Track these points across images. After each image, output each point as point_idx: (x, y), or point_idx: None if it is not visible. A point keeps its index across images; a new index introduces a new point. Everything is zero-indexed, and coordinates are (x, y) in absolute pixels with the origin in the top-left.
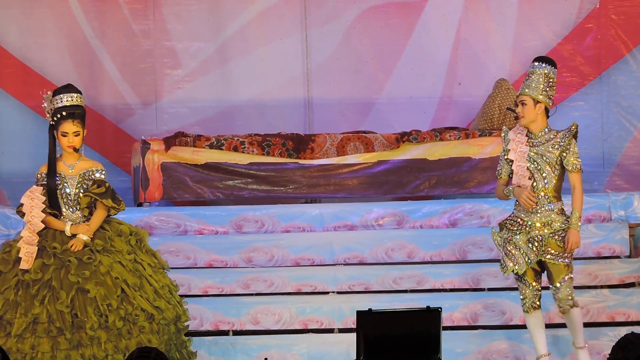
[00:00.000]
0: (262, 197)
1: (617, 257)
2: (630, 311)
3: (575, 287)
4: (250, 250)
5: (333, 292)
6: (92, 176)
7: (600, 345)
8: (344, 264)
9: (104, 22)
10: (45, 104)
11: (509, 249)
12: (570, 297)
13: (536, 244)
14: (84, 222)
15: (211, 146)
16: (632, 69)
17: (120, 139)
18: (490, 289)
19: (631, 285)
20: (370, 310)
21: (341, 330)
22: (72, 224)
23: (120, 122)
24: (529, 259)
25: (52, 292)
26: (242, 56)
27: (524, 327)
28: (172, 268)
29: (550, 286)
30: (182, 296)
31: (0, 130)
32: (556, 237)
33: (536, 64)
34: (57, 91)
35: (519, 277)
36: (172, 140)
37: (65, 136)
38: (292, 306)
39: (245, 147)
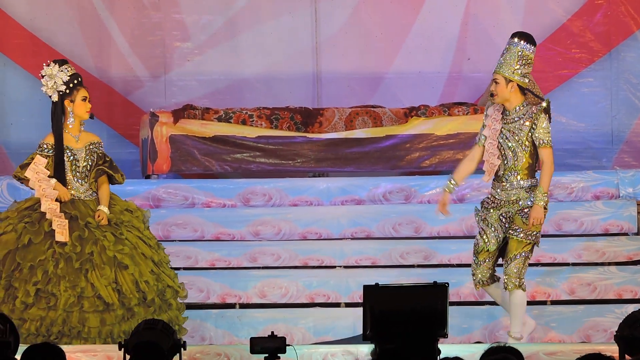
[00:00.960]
0: (270, 170)
1: (625, 234)
2: (638, 288)
3: (583, 264)
4: (258, 223)
5: (340, 266)
6: (96, 149)
7: (607, 322)
8: (351, 239)
9: None
10: (49, 74)
11: (482, 226)
12: (517, 276)
13: (504, 220)
14: (91, 194)
15: (219, 119)
16: None
17: (129, 111)
18: (498, 265)
19: (638, 262)
20: (377, 284)
21: (348, 305)
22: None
23: (129, 94)
24: (498, 236)
25: (94, 266)
26: (251, 29)
27: (532, 302)
28: (179, 240)
29: (503, 260)
30: (188, 269)
31: (10, 101)
32: (521, 213)
33: (512, 40)
34: (62, 61)
35: (474, 254)
36: (181, 113)
37: (85, 101)
38: (299, 280)
39: (253, 121)
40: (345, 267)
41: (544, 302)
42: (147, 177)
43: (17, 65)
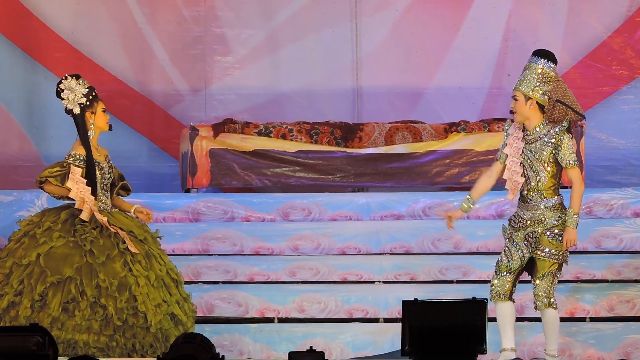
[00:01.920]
0: (309, 185)
1: None
2: None
3: (622, 281)
4: (297, 238)
5: (379, 281)
6: (110, 162)
7: None
8: (390, 254)
9: (155, 8)
10: (69, 87)
11: (507, 245)
12: (546, 296)
13: (530, 240)
14: (112, 207)
15: (259, 133)
16: None
17: (169, 125)
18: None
19: None
20: (416, 300)
21: (386, 320)
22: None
23: (169, 108)
24: (523, 256)
25: (164, 284)
26: (292, 44)
27: (571, 319)
28: (219, 254)
29: (532, 280)
30: (227, 283)
31: (50, 114)
32: (548, 233)
33: (533, 57)
34: (77, 76)
35: (496, 265)
36: (221, 127)
37: (104, 112)
38: (338, 295)
39: (293, 135)
40: (384, 282)
41: (583, 319)
42: (187, 191)
43: (59, 78)
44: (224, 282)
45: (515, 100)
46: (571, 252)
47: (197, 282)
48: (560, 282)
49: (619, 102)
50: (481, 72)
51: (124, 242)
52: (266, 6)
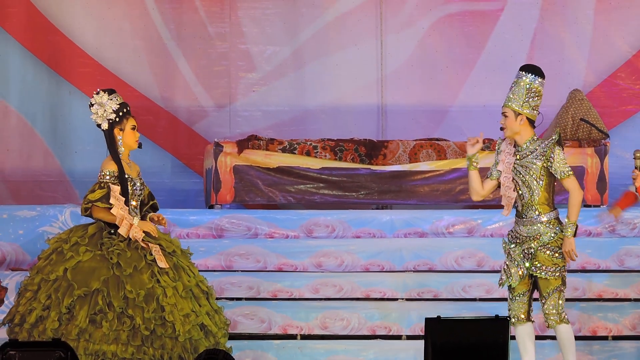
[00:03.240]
0: (333, 202)
1: None
2: None
3: None
4: (320, 255)
5: (402, 298)
6: (142, 179)
7: None
8: (414, 271)
9: (180, 24)
10: (99, 102)
11: (507, 261)
12: (556, 312)
13: (528, 256)
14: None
15: (284, 150)
16: None
17: (194, 141)
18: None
19: None
20: (439, 317)
21: (409, 337)
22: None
23: (193, 124)
24: (522, 272)
25: (193, 295)
26: (316, 61)
27: (593, 338)
28: (242, 271)
29: (539, 299)
30: (250, 299)
31: (74, 129)
32: (544, 249)
33: (520, 73)
34: (111, 91)
35: (508, 289)
36: (245, 143)
37: (134, 130)
38: (361, 312)
39: (317, 152)
40: (407, 299)
41: (605, 338)
42: (211, 207)
43: (83, 94)
44: (247, 299)
45: (505, 116)
46: (594, 271)
47: (221, 298)
48: (582, 300)
49: None
50: (506, 90)
51: (152, 254)
52: (291, 23)
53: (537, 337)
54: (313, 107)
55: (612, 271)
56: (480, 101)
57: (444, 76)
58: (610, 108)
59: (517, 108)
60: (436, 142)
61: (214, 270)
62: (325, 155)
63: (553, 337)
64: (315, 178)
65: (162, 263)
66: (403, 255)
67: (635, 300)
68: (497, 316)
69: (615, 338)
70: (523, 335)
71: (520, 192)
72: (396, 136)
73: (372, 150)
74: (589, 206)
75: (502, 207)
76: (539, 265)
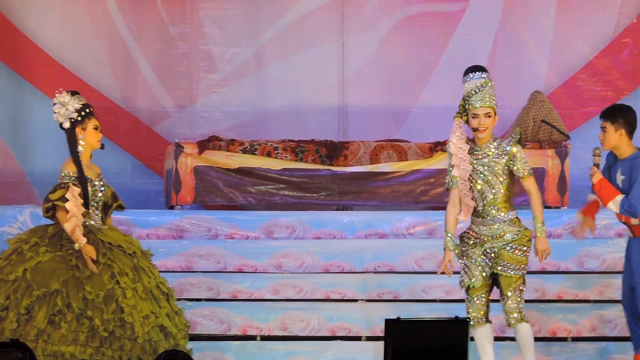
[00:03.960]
0: (293, 203)
1: None
2: None
3: (605, 301)
4: (281, 255)
5: (362, 299)
6: (103, 180)
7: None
8: (374, 272)
9: (141, 25)
10: (62, 101)
11: (466, 263)
12: (517, 311)
13: (490, 256)
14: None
15: (244, 151)
16: None
17: (154, 142)
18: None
19: None
20: (399, 318)
21: (369, 338)
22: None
23: (154, 124)
24: (485, 272)
25: (153, 296)
26: (278, 62)
27: (553, 339)
28: (202, 272)
29: (500, 298)
30: (210, 300)
31: (35, 130)
32: (508, 248)
33: (480, 74)
34: (74, 92)
35: (466, 291)
36: (206, 144)
37: (96, 130)
38: (321, 313)
39: (278, 153)
40: (367, 300)
41: (564, 339)
42: (171, 207)
43: (44, 95)
44: (207, 299)
45: (489, 117)
46: (554, 272)
47: (180, 299)
48: (542, 301)
49: None
50: None
51: (105, 255)
52: (253, 24)
53: (496, 339)
54: (274, 108)
55: (571, 272)
56: (441, 102)
57: (405, 77)
58: (572, 110)
59: (495, 107)
60: (397, 143)
61: (174, 271)
62: (286, 156)
63: (511, 339)
64: (275, 179)
65: (93, 267)
66: (363, 257)
67: (595, 301)
68: (457, 317)
69: (574, 339)
70: (482, 337)
71: (482, 192)
72: (357, 137)
73: (333, 151)
74: (550, 207)
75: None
76: (503, 263)
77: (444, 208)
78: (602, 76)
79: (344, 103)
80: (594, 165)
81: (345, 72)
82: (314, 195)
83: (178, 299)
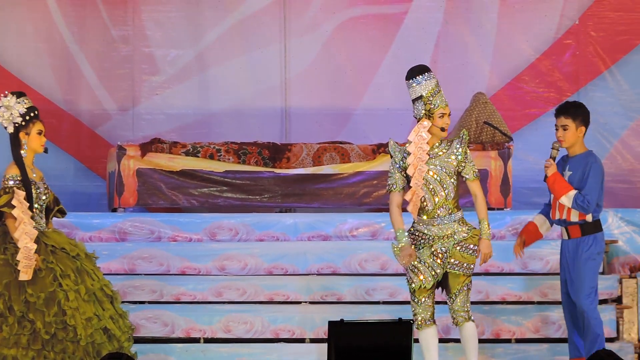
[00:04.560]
0: (237, 205)
1: None
2: (604, 328)
3: (548, 303)
4: (224, 258)
5: (305, 302)
6: (46, 184)
7: None
8: (317, 274)
9: (83, 27)
10: (7, 105)
11: (415, 264)
12: (464, 310)
13: (440, 256)
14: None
15: (187, 153)
16: (610, 86)
17: (97, 144)
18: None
19: (604, 302)
20: (342, 320)
21: (313, 340)
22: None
23: (96, 127)
24: (435, 272)
25: (96, 298)
26: (220, 64)
27: (496, 340)
28: (145, 274)
29: (447, 297)
30: (153, 302)
31: None
32: (459, 247)
33: (429, 74)
34: (20, 93)
35: (411, 293)
36: (148, 147)
37: (40, 134)
38: (264, 315)
39: (221, 155)
40: (311, 302)
41: (508, 340)
42: (114, 210)
43: None
44: (150, 302)
45: (449, 116)
46: (498, 274)
47: (124, 302)
48: (486, 303)
49: (547, 124)
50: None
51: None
52: (195, 26)
53: (440, 340)
54: (217, 110)
55: (515, 274)
56: (384, 104)
57: (348, 79)
58: (514, 111)
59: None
60: (340, 145)
61: (117, 274)
62: (229, 159)
63: (455, 340)
64: (218, 181)
65: (25, 276)
66: (307, 259)
67: (539, 303)
68: (400, 319)
69: (518, 341)
70: (428, 339)
71: (434, 192)
72: (300, 139)
73: (276, 153)
74: (493, 209)
75: (404, 210)
76: (455, 262)
77: (387, 210)
78: (545, 78)
79: (287, 105)
80: (551, 157)
81: (287, 74)
82: (257, 197)
83: (122, 302)
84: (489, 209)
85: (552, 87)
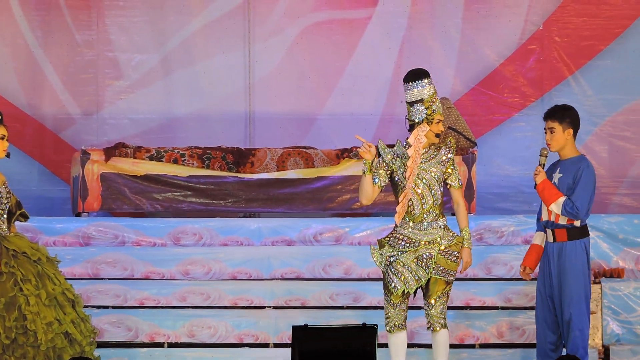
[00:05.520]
0: (201, 210)
1: None
2: None
3: (512, 308)
4: (188, 262)
5: (269, 306)
6: (8, 188)
7: None
8: (281, 279)
9: (47, 31)
10: None
11: (398, 268)
12: (442, 316)
13: (426, 261)
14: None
15: (151, 158)
16: (574, 91)
17: (61, 149)
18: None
19: None
20: (306, 325)
21: (277, 345)
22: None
23: (60, 131)
24: (418, 277)
25: (57, 302)
26: (184, 69)
27: (460, 346)
28: (109, 279)
29: (425, 302)
30: (117, 307)
31: None
32: (444, 254)
33: (431, 79)
34: None
35: (387, 295)
36: (112, 151)
37: (3, 139)
38: (228, 320)
39: (185, 160)
40: (275, 307)
41: (472, 346)
42: (78, 214)
43: None
44: (114, 307)
45: (440, 122)
46: (461, 279)
47: (87, 307)
48: (450, 308)
49: (511, 130)
50: (374, 98)
51: (9, 263)
52: (159, 31)
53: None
54: (181, 115)
55: (479, 279)
56: (348, 109)
57: (312, 84)
58: (478, 116)
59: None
60: (304, 150)
61: (81, 278)
62: (193, 163)
63: (420, 345)
64: (182, 186)
65: None
66: (271, 263)
67: (503, 308)
68: (364, 324)
69: (482, 346)
70: (399, 343)
71: (422, 196)
72: (264, 144)
73: (240, 158)
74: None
75: (367, 215)
76: (440, 268)
77: (351, 215)
78: (509, 83)
79: (251, 110)
80: (540, 165)
81: (252, 79)
82: (221, 202)
83: (85, 306)
84: (453, 214)
85: (516, 92)
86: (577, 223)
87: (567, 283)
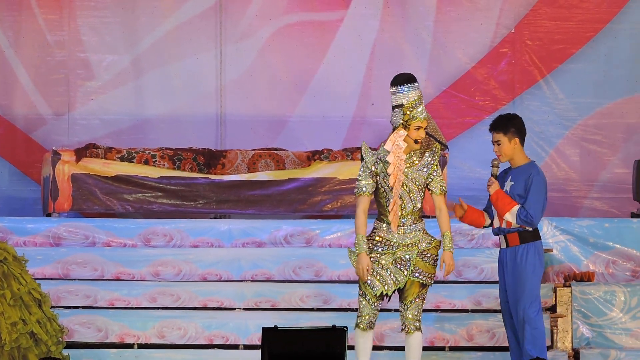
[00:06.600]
0: (171, 211)
1: None
2: None
3: (482, 311)
4: (158, 264)
5: (239, 308)
6: None
7: None
8: (251, 281)
9: (18, 31)
10: None
11: (377, 270)
12: (417, 319)
13: (404, 263)
14: None
15: (122, 159)
16: (545, 95)
17: (31, 149)
18: (396, 310)
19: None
20: (276, 327)
21: (246, 347)
22: None
23: (31, 131)
24: (396, 279)
25: (23, 303)
26: (156, 70)
27: (431, 348)
28: (79, 279)
29: (400, 304)
30: (87, 308)
31: None
32: (422, 256)
33: (416, 84)
34: None
35: (363, 294)
36: (83, 152)
37: None
38: (198, 321)
39: (156, 161)
40: (245, 309)
41: (442, 348)
42: (48, 215)
43: None
44: (84, 307)
45: (424, 130)
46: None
47: (57, 307)
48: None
49: (482, 133)
50: (345, 100)
51: None
52: (130, 32)
53: (374, 347)
54: (152, 116)
55: (449, 282)
56: (319, 111)
57: (284, 86)
58: (449, 119)
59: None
60: (275, 152)
61: (51, 279)
62: (164, 165)
63: (389, 348)
64: (153, 187)
65: None
66: (241, 265)
67: (473, 311)
68: (334, 326)
69: (452, 349)
70: (367, 342)
71: (404, 200)
72: (235, 146)
73: (211, 159)
74: (428, 217)
75: (338, 217)
76: (419, 271)
77: (322, 217)
78: (480, 86)
79: (222, 111)
80: (492, 175)
81: (223, 81)
82: (192, 203)
83: (55, 307)
84: (424, 216)
85: (488, 95)
86: (529, 227)
87: (521, 283)
